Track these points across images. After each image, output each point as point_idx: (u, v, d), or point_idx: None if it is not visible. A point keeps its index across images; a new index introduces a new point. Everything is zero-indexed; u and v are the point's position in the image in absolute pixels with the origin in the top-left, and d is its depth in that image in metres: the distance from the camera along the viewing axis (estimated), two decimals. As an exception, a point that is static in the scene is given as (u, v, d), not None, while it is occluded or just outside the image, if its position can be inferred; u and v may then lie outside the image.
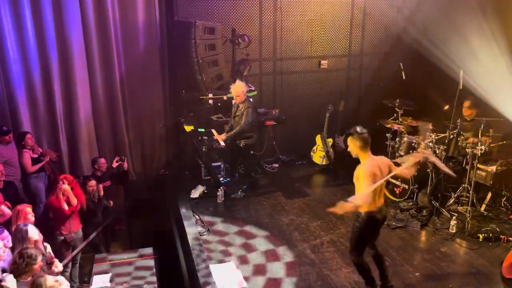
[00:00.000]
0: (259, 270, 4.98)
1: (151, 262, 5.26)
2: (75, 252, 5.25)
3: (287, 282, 4.77)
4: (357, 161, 4.19)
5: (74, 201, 5.13)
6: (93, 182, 5.88)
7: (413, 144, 6.38)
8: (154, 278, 4.97)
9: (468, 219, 5.72)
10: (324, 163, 7.78)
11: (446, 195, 6.27)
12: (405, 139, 6.46)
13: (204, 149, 6.61)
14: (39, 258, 3.73)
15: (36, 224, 4.43)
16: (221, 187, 6.64)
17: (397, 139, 6.66)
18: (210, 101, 7.14)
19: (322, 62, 8.23)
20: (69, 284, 3.93)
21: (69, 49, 6.61)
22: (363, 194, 3.91)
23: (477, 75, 6.33)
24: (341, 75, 8.47)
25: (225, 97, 7.11)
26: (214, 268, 4.95)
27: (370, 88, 8.50)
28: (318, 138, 7.88)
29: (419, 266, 5.02)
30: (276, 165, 7.98)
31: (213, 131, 6.96)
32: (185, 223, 5.84)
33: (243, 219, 6.12)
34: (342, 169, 7.40)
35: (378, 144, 6.48)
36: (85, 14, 6.59)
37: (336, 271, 4.92)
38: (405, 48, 7.94)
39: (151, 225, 6.81)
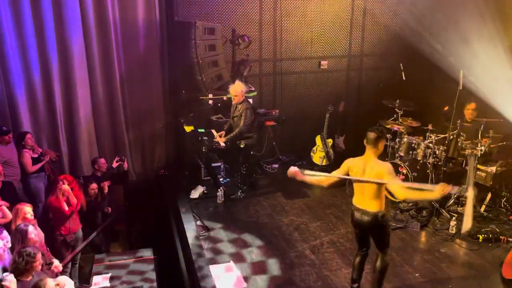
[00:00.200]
0: (259, 270, 4.98)
1: (150, 262, 5.27)
2: (75, 252, 5.24)
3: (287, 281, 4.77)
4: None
5: (74, 200, 5.13)
6: (94, 185, 5.89)
7: (413, 145, 6.38)
8: (154, 278, 4.97)
9: (468, 219, 5.71)
10: (324, 163, 7.77)
11: (446, 196, 6.26)
12: (405, 139, 6.46)
13: (204, 150, 6.61)
14: (38, 255, 3.73)
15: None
16: (221, 188, 6.64)
17: (397, 139, 6.65)
18: (210, 102, 7.14)
19: (322, 62, 8.23)
20: (72, 282, 3.93)
21: (69, 49, 6.60)
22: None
23: (477, 76, 6.34)
24: (341, 76, 8.47)
25: (225, 98, 7.11)
26: (213, 268, 4.95)
27: (370, 88, 8.49)
28: (318, 139, 7.87)
29: (419, 266, 5.02)
30: (276, 166, 7.97)
31: (213, 131, 6.96)
32: (185, 223, 5.84)
33: (243, 220, 6.12)
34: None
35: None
36: (85, 14, 6.58)
37: (336, 271, 4.92)
38: (405, 48, 7.94)
39: (150, 225, 6.82)
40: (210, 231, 5.78)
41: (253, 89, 7.46)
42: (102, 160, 6.44)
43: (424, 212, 6.11)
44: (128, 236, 6.66)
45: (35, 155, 6.17)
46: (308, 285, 4.71)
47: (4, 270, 3.80)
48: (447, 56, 6.95)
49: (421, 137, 6.49)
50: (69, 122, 6.96)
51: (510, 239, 5.40)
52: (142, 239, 6.54)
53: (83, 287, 5.40)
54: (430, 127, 6.38)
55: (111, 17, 6.76)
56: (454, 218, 5.75)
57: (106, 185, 6.06)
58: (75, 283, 5.35)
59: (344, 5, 8.01)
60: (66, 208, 5.07)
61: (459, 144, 5.96)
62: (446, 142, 6.07)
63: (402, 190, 3.92)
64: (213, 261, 5.14)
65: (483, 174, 5.95)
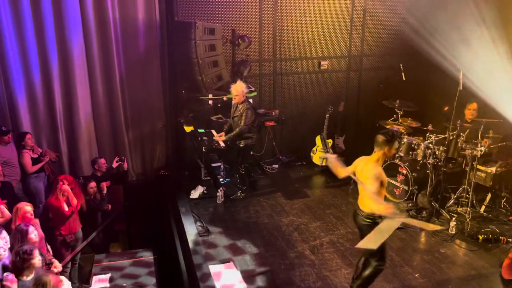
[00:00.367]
0: (259, 270, 4.98)
1: (150, 263, 5.27)
2: (74, 252, 5.24)
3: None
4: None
5: (74, 201, 5.13)
6: (93, 184, 5.89)
7: (412, 145, 6.39)
8: (154, 279, 4.97)
9: (467, 220, 5.73)
10: (324, 164, 7.77)
11: (445, 196, 6.28)
12: (405, 140, 6.46)
13: (204, 150, 6.61)
14: (35, 252, 3.73)
15: (36, 224, 4.44)
16: (221, 188, 6.65)
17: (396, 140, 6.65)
18: (210, 102, 7.14)
19: (322, 63, 8.23)
20: (70, 283, 3.93)
21: (69, 49, 6.61)
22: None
23: (477, 76, 6.34)
24: (341, 76, 8.47)
25: (225, 98, 7.11)
26: (213, 268, 4.95)
27: (370, 89, 8.50)
28: (318, 139, 7.88)
29: (419, 267, 5.02)
30: (276, 166, 7.98)
31: (213, 131, 6.96)
32: (185, 223, 5.84)
33: (243, 220, 6.12)
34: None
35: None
36: (85, 14, 6.58)
37: (336, 272, 4.92)
38: (405, 49, 7.95)
39: (150, 225, 6.81)
40: (209, 232, 5.78)
41: (253, 89, 7.46)
42: (102, 160, 6.43)
43: (424, 212, 6.10)
44: (128, 236, 6.66)
45: (35, 155, 6.17)
46: (308, 286, 4.71)
47: (4, 270, 3.80)
48: (447, 56, 6.95)
49: (421, 138, 6.50)
50: (69, 122, 6.96)
51: (510, 240, 5.40)
52: (142, 239, 6.54)
53: None
54: (430, 127, 6.38)
55: (111, 17, 6.76)
56: (454, 218, 5.75)
57: (105, 186, 6.04)
58: (74, 283, 5.37)
59: (344, 5, 8.02)
60: (66, 208, 5.07)
61: (459, 145, 5.96)
62: (446, 142, 6.08)
63: (365, 199, 4.04)
64: (213, 261, 5.14)
65: (483, 175, 5.95)
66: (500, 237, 5.43)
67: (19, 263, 3.68)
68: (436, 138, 6.18)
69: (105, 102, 7.12)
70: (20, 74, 6.46)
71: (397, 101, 6.92)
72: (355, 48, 8.35)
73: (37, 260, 3.74)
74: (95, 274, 4.99)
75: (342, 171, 4.26)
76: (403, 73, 7.68)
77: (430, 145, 6.18)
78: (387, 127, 6.80)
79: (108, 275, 4.96)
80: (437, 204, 6.11)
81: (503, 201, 6.18)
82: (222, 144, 6.52)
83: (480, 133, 5.88)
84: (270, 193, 6.92)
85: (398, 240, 5.54)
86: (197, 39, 6.59)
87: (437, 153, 6.10)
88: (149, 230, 6.76)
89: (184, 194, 6.71)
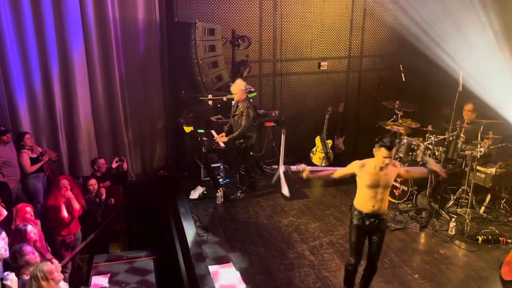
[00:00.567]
0: (258, 270, 4.97)
1: (150, 263, 5.26)
2: (74, 252, 5.24)
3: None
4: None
5: (77, 205, 5.13)
6: (93, 181, 5.87)
7: (412, 146, 6.39)
8: (153, 279, 4.97)
9: (467, 221, 5.73)
10: (323, 164, 7.77)
11: (445, 197, 6.28)
12: (405, 140, 6.47)
13: (203, 150, 6.61)
14: (26, 248, 3.76)
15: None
16: (221, 188, 6.64)
17: (396, 140, 6.66)
18: (210, 102, 7.14)
19: (322, 63, 8.24)
20: (67, 284, 3.94)
21: (69, 49, 6.61)
22: None
23: (477, 77, 6.34)
24: (341, 77, 8.48)
25: (224, 98, 7.10)
26: (212, 268, 4.94)
27: (369, 89, 8.50)
28: (317, 140, 7.88)
29: (418, 268, 5.02)
30: (276, 167, 7.96)
31: (213, 132, 6.96)
32: (184, 224, 5.84)
33: (242, 220, 6.12)
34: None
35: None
36: (85, 14, 6.58)
37: (335, 272, 4.92)
38: (405, 50, 7.95)
39: (150, 226, 6.81)
40: (209, 232, 5.78)
41: (253, 89, 7.45)
42: (102, 161, 6.42)
43: (423, 213, 6.10)
44: (127, 236, 6.66)
45: (34, 155, 6.16)
46: (307, 286, 4.71)
47: (4, 270, 3.81)
48: (447, 57, 6.95)
49: (421, 138, 6.50)
50: (69, 122, 6.96)
51: (510, 241, 5.40)
52: (142, 239, 6.54)
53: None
54: (429, 128, 6.38)
55: (111, 17, 6.76)
56: (453, 219, 5.76)
57: (104, 192, 6.01)
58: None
59: (344, 6, 8.02)
60: (66, 215, 5.07)
61: (459, 146, 5.96)
62: (446, 143, 6.08)
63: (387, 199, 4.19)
64: (212, 261, 5.13)
65: (483, 176, 5.95)
66: (500, 238, 5.43)
67: (14, 263, 3.73)
68: (435, 139, 6.19)
69: (105, 102, 7.12)
70: (20, 74, 6.46)
71: (397, 102, 6.92)
72: (355, 48, 8.36)
73: (32, 255, 3.75)
74: (94, 275, 4.98)
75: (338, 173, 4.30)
76: (403, 74, 7.69)
77: (430, 146, 6.19)
78: (387, 127, 6.81)
79: (107, 275, 4.96)
80: (436, 205, 6.11)
81: (502, 202, 6.18)
82: (222, 144, 6.52)
83: (479, 134, 5.88)
84: (269, 194, 6.91)
85: (398, 241, 5.55)
86: (197, 39, 6.59)
87: (436, 154, 6.10)
88: (148, 231, 6.76)
89: (184, 195, 6.71)
